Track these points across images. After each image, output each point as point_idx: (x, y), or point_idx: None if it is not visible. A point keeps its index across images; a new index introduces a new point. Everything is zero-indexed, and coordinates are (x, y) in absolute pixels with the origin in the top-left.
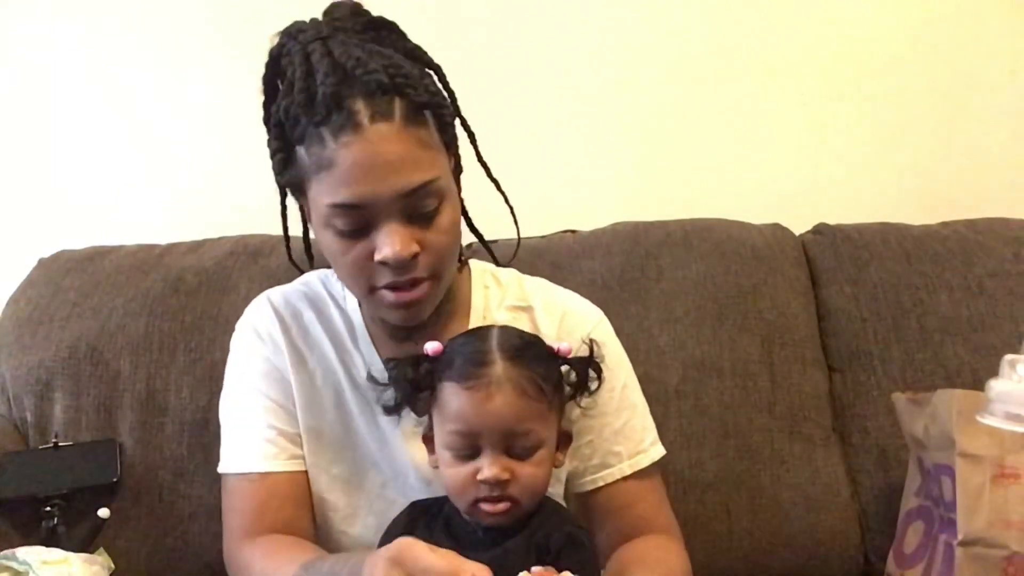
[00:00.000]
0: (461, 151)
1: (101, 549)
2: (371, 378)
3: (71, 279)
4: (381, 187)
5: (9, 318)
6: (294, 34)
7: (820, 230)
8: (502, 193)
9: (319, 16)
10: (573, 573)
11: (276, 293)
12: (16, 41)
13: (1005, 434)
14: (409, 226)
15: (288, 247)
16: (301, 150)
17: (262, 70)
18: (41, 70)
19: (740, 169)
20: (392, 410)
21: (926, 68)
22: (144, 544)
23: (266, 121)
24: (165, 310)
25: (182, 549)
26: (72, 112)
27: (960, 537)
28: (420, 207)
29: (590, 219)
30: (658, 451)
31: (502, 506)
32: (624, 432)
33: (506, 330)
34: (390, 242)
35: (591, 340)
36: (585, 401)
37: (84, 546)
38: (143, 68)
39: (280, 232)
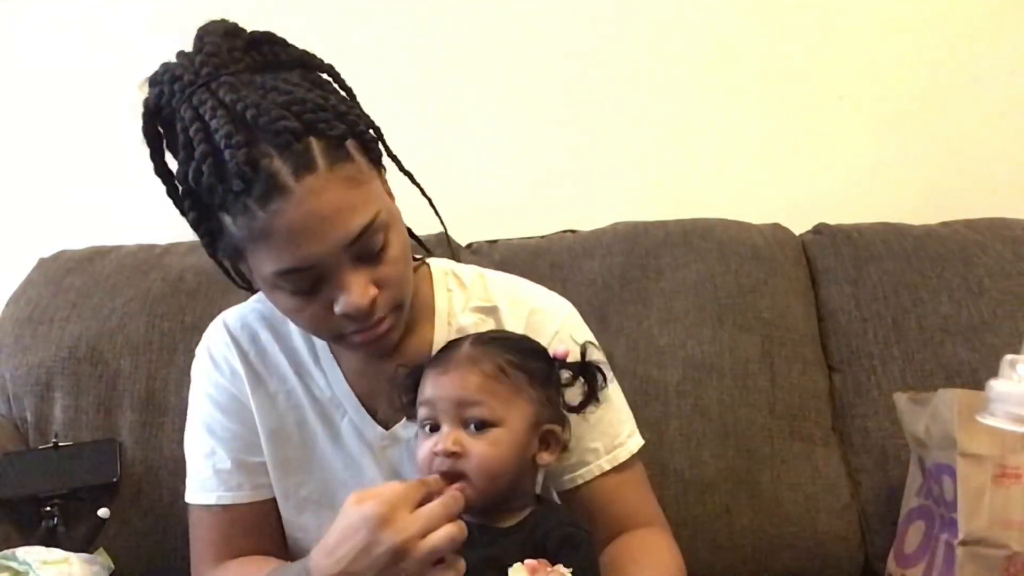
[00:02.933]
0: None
1: (101, 549)
2: (392, 380)
3: (71, 279)
4: (324, 244)
5: (9, 318)
6: (170, 82)
7: (820, 230)
8: (417, 186)
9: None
10: (566, 568)
11: (232, 315)
12: (17, 41)
13: (1006, 434)
14: (361, 269)
15: (229, 275)
16: (227, 219)
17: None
18: (42, 70)
19: (740, 169)
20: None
21: (926, 68)
22: (144, 544)
23: (159, 174)
24: (165, 310)
25: (182, 549)
26: (72, 112)
27: (961, 537)
28: (368, 247)
29: (590, 219)
30: (636, 442)
31: (456, 484)
32: (600, 427)
33: (500, 331)
34: (347, 294)
35: (586, 344)
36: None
37: (84, 546)
38: (144, 68)
39: None
